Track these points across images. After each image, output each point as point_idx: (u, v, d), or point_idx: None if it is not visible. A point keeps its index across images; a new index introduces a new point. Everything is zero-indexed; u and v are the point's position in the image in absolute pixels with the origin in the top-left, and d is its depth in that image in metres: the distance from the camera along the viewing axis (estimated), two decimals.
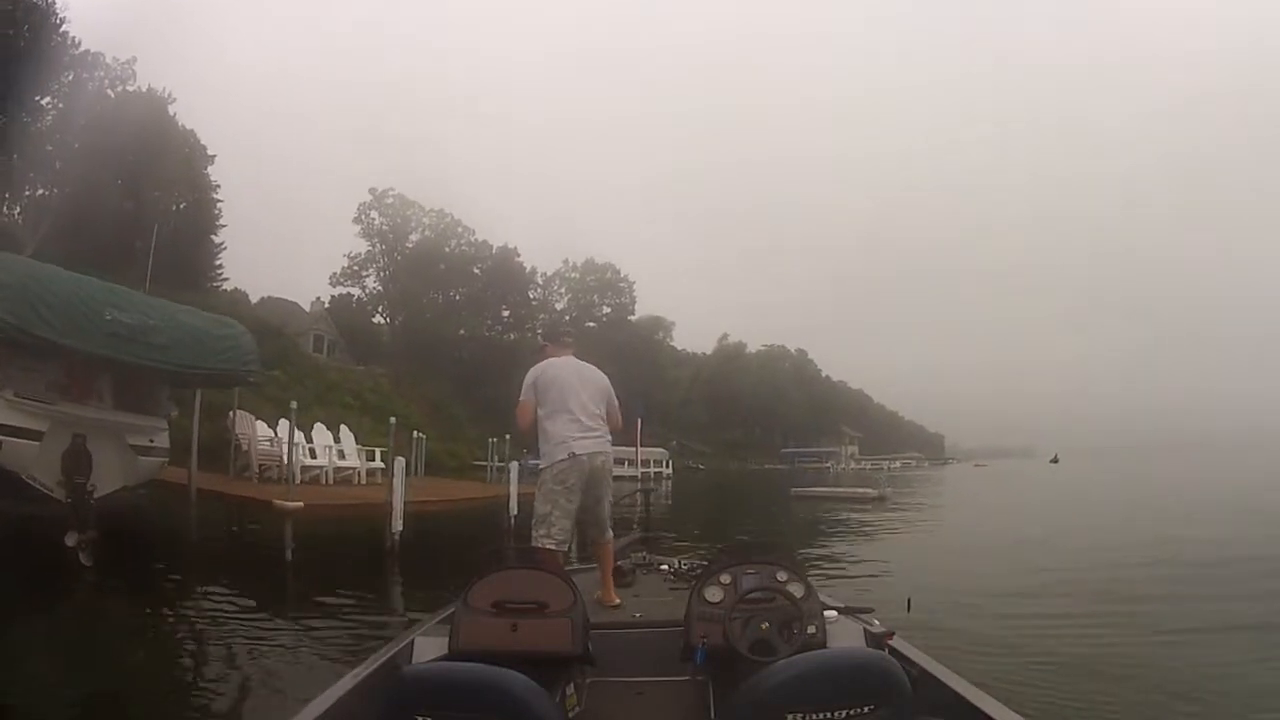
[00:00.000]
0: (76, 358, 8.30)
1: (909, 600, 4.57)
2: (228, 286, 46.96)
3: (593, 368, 4.77)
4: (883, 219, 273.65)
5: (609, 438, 4.65)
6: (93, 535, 8.13)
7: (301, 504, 8.85)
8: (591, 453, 4.44)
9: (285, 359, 38.87)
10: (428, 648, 3.17)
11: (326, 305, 62.69)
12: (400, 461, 10.35)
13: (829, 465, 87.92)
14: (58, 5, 27.11)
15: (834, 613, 3.29)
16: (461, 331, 70.22)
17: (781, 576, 3.24)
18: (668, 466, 60.57)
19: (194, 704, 4.86)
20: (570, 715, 2.97)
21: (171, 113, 37.03)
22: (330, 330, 55.94)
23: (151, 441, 9.36)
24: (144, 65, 34.98)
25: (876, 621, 3.32)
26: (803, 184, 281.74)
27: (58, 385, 8.58)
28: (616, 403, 4.76)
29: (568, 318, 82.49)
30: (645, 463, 55.71)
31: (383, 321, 69.21)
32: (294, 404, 10.11)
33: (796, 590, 3.17)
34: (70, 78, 30.84)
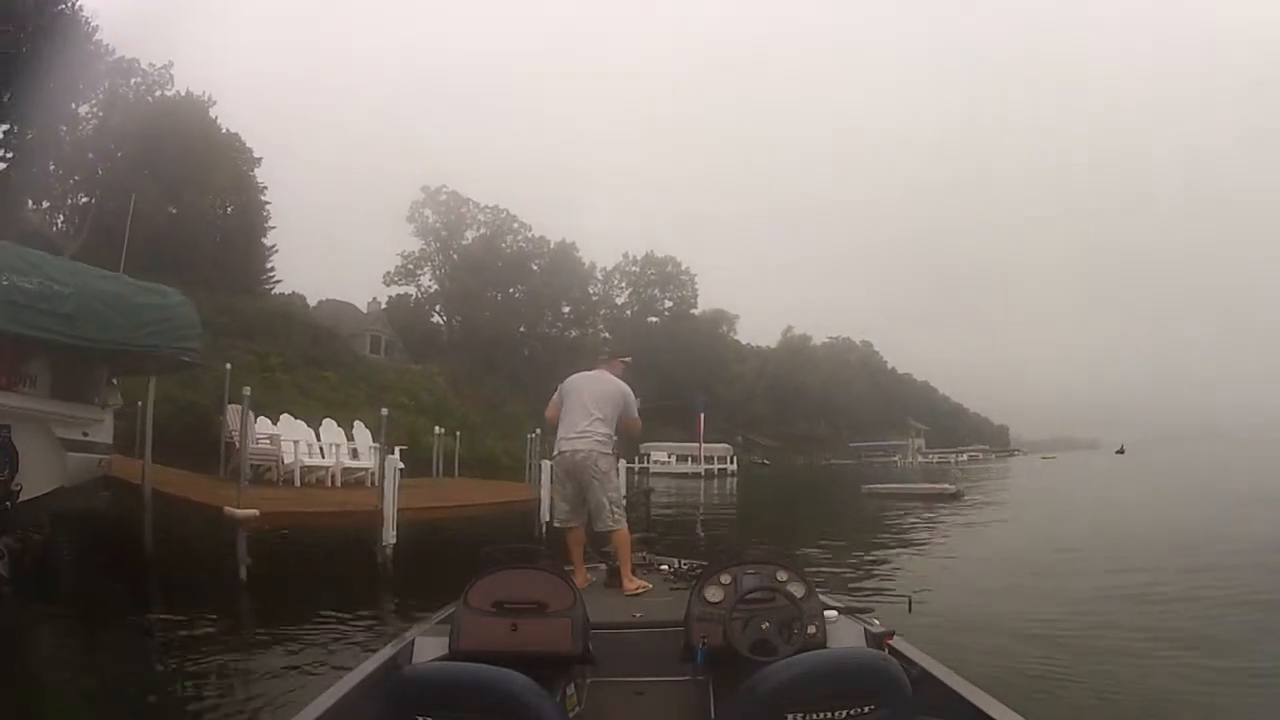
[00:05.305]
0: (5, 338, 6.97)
1: (909, 600, 4.46)
2: (284, 290, 46.90)
3: (610, 378, 5.34)
4: (948, 209, 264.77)
5: (600, 439, 5.10)
6: (10, 542, 6.89)
7: (256, 512, 7.31)
8: (573, 449, 5.09)
9: (337, 360, 38.46)
10: (428, 648, 3.16)
11: (383, 306, 62.65)
12: (393, 460, 8.76)
13: (896, 459, 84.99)
14: (87, 13, 26.74)
15: (834, 613, 3.26)
16: (521, 329, 69.58)
17: (781, 576, 3.22)
18: (732, 463, 58.67)
19: None
20: (570, 715, 2.98)
21: (213, 116, 36.96)
22: (387, 330, 55.68)
23: (86, 435, 8.02)
24: (181, 69, 34.99)
25: (876, 621, 3.28)
26: (867, 174, 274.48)
27: None
28: (633, 409, 5.32)
29: (629, 312, 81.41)
30: (709, 459, 54.04)
31: (440, 321, 68.94)
32: (246, 390, 8.58)
33: (796, 590, 3.16)
34: (106, 85, 30.71)
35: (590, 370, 5.46)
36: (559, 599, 3.03)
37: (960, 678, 2.72)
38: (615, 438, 5.35)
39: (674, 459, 54.91)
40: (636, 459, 42.83)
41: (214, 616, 6.55)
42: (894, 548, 13.13)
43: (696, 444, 53.51)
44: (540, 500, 12.32)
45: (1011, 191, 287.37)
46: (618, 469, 6.88)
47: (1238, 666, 5.44)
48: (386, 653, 3.20)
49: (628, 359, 5.69)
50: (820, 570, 8.77)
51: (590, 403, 5.17)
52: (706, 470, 50.94)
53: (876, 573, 10.34)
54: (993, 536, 15.67)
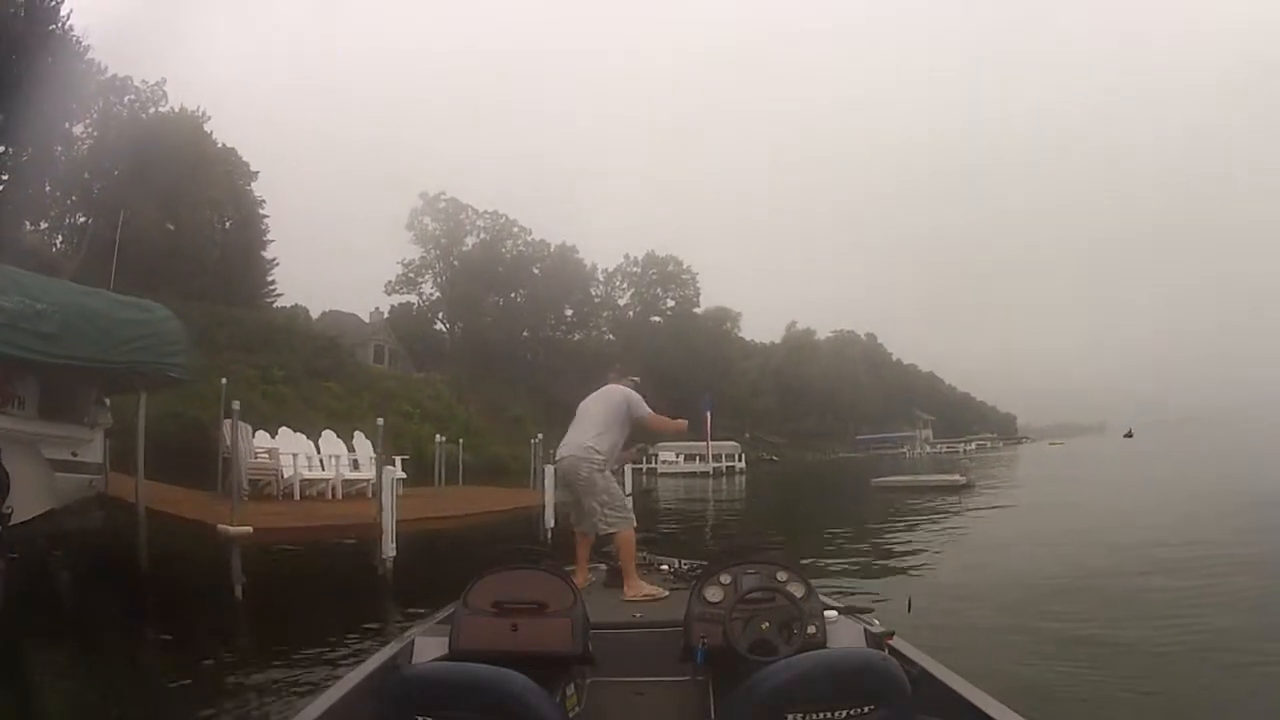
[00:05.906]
0: None
1: (909, 600, 4.44)
2: (286, 302, 46.90)
3: (615, 389, 5.44)
4: (950, 203, 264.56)
5: (585, 446, 5.15)
6: (2, 566, 6.67)
7: (249, 529, 7.15)
8: (560, 458, 5.34)
9: (341, 370, 38.43)
10: (428, 648, 3.16)
11: (386, 315, 62.56)
12: (390, 472, 8.61)
13: (904, 450, 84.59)
14: (77, 32, 26.57)
15: (834, 613, 3.26)
16: (524, 333, 69.48)
17: (781, 576, 3.22)
18: (740, 460, 58.36)
19: None
20: (570, 715, 2.96)
21: (208, 130, 36.99)
22: (390, 339, 55.62)
23: (75, 455, 7.87)
24: (174, 85, 35.01)
25: (876, 621, 3.26)
26: (868, 169, 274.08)
27: None
28: (639, 411, 5.36)
29: (631, 313, 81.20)
30: (717, 457, 53.69)
31: (443, 328, 68.83)
32: (236, 404, 8.43)
33: (796, 590, 3.16)
34: (100, 104, 30.76)
35: (605, 386, 5.58)
36: (559, 599, 3.03)
37: (960, 678, 2.69)
38: (619, 444, 5.38)
39: (682, 458, 54.60)
40: (644, 459, 42.66)
41: (200, 637, 6.36)
42: (911, 546, 12.93)
43: (704, 443, 53.32)
44: (544, 506, 12.16)
45: (1013, 184, 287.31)
46: (621, 471, 6.85)
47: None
48: (386, 653, 3.20)
49: (636, 378, 5.76)
50: (846, 589, 8.58)
51: (592, 413, 5.31)
52: (715, 469, 50.65)
53: (889, 571, 10.22)
54: (1005, 527, 15.50)
